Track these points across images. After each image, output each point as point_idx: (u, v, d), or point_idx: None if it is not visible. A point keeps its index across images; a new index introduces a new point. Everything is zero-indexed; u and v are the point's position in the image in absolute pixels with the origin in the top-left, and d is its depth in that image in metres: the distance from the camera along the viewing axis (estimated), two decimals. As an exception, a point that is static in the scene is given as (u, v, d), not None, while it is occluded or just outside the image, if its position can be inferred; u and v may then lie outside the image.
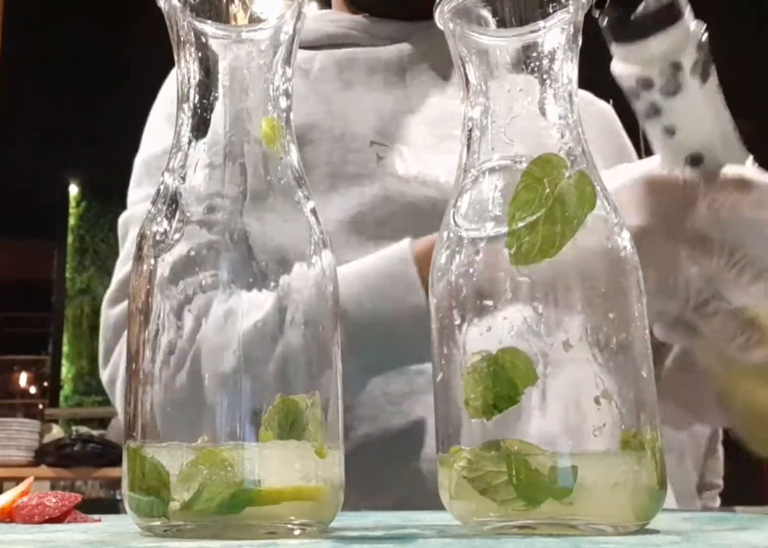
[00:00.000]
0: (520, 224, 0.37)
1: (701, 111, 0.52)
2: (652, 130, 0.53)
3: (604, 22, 0.51)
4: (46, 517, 0.44)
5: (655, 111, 0.52)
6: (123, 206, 0.87)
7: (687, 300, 0.51)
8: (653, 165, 0.54)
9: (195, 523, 0.34)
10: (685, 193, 0.51)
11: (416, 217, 0.75)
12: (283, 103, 0.41)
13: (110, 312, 0.77)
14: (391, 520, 0.48)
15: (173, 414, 0.36)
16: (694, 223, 0.50)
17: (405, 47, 0.89)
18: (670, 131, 0.52)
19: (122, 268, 0.80)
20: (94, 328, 6.31)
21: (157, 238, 0.39)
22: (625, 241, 0.39)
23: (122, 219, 0.83)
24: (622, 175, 0.53)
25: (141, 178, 0.84)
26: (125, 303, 0.74)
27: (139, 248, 0.40)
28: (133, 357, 0.38)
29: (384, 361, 0.64)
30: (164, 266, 0.38)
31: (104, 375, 0.78)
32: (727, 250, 0.50)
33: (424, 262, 0.59)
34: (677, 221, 0.50)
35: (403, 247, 0.62)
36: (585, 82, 0.54)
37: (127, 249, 0.81)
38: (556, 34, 0.41)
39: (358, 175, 0.79)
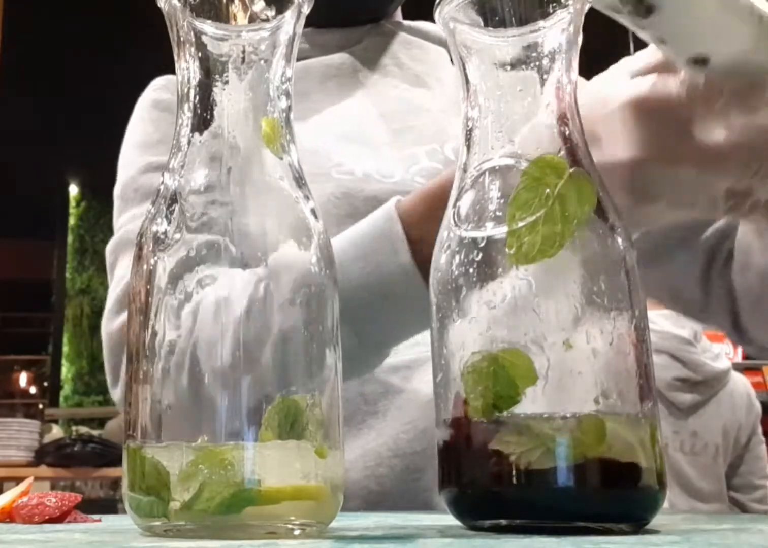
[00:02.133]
0: (520, 224, 0.37)
1: (694, 12, 0.44)
2: (646, 38, 0.47)
3: None
4: (46, 517, 0.44)
5: (637, 27, 0.45)
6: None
7: (716, 207, 0.47)
8: (644, 83, 0.47)
9: (195, 523, 0.34)
10: (682, 108, 0.45)
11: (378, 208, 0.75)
12: (283, 103, 0.41)
13: (111, 329, 0.76)
14: (391, 520, 0.48)
15: (175, 413, 0.36)
16: (700, 140, 0.45)
17: (354, 51, 0.91)
18: (661, 40, 0.46)
19: (116, 288, 0.78)
20: (94, 328, 6.32)
21: (158, 238, 0.39)
22: (624, 240, 0.39)
23: (110, 246, 0.81)
24: (610, 99, 0.48)
25: (120, 206, 0.83)
26: (124, 316, 0.73)
27: (139, 248, 0.39)
28: (133, 357, 0.38)
29: (382, 331, 0.59)
30: (164, 266, 0.38)
31: (116, 394, 0.77)
32: (743, 160, 0.45)
33: (411, 218, 0.56)
34: (678, 143, 0.46)
35: (388, 206, 0.58)
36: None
37: (119, 272, 0.78)
38: (556, 34, 0.41)
39: (314, 173, 0.79)
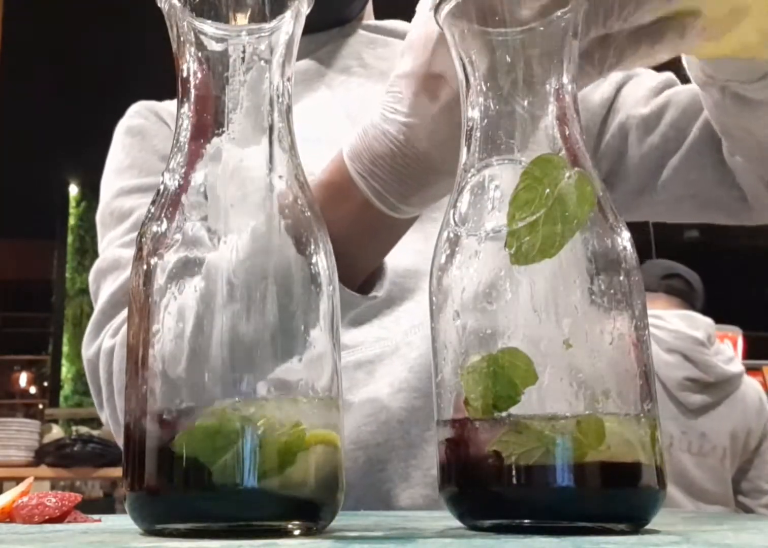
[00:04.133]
0: (520, 224, 0.37)
1: None
2: None
3: None
4: (46, 517, 0.44)
5: None
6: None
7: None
8: None
9: (194, 523, 0.34)
10: None
11: None
12: (284, 102, 0.41)
13: (88, 355, 0.78)
14: (391, 520, 0.48)
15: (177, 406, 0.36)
16: None
17: (320, 55, 0.92)
18: None
19: (95, 314, 0.80)
20: (94, 328, 6.32)
21: (157, 238, 0.39)
22: (624, 240, 0.39)
23: (91, 275, 0.83)
24: None
25: (101, 231, 0.86)
26: (98, 341, 0.76)
27: (139, 248, 0.39)
28: (133, 357, 0.38)
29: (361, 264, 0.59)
30: (164, 266, 0.38)
31: (103, 416, 0.79)
32: None
33: (356, 157, 0.56)
34: None
35: (338, 153, 0.59)
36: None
37: (100, 300, 0.80)
38: (555, 34, 0.41)
39: None
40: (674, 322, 2.02)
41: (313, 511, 0.36)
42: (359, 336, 0.76)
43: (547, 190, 0.37)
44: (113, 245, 0.81)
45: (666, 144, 0.77)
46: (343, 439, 0.37)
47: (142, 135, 0.88)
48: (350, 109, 0.87)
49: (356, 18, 0.94)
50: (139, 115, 0.91)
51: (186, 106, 0.41)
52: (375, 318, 0.77)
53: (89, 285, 0.84)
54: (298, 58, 0.90)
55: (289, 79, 0.42)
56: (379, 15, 0.98)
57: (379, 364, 0.75)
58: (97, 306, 0.80)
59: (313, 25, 0.90)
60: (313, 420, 0.35)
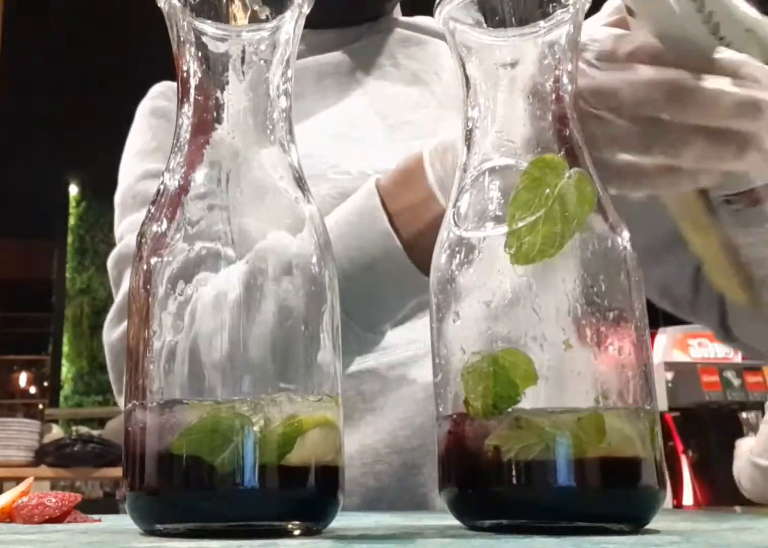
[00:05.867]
0: (520, 224, 0.37)
1: None
2: None
3: None
4: (46, 517, 0.44)
5: None
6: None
7: None
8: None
9: (194, 523, 0.34)
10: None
11: None
12: (283, 102, 0.41)
13: (111, 339, 0.76)
14: (391, 520, 0.48)
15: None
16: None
17: (352, 50, 0.91)
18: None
19: (120, 300, 0.78)
20: (94, 328, 6.32)
21: (157, 238, 0.39)
22: (624, 240, 0.39)
23: (112, 260, 0.81)
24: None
25: (120, 213, 0.84)
26: (124, 325, 0.74)
27: (139, 248, 0.39)
28: (132, 356, 0.38)
29: (369, 307, 0.59)
30: (164, 266, 0.38)
31: (122, 402, 0.78)
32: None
33: (389, 191, 0.56)
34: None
35: (368, 183, 0.59)
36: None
37: (125, 287, 0.76)
38: (556, 34, 0.41)
39: (310, 175, 0.79)
40: None
41: (313, 508, 0.36)
42: (391, 339, 0.75)
43: (547, 190, 0.37)
44: (137, 227, 0.79)
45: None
46: (342, 434, 0.37)
47: (166, 117, 0.86)
48: (380, 107, 0.87)
49: (389, 13, 0.94)
50: (163, 96, 0.89)
51: (186, 106, 0.41)
52: (407, 320, 0.76)
53: (109, 270, 0.81)
54: (331, 50, 0.90)
55: (289, 79, 0.42)
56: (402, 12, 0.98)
57: (412, 367, 0.75)
58: (122, 290, 0.77)
59: (345, 20, 0.90)
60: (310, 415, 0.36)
